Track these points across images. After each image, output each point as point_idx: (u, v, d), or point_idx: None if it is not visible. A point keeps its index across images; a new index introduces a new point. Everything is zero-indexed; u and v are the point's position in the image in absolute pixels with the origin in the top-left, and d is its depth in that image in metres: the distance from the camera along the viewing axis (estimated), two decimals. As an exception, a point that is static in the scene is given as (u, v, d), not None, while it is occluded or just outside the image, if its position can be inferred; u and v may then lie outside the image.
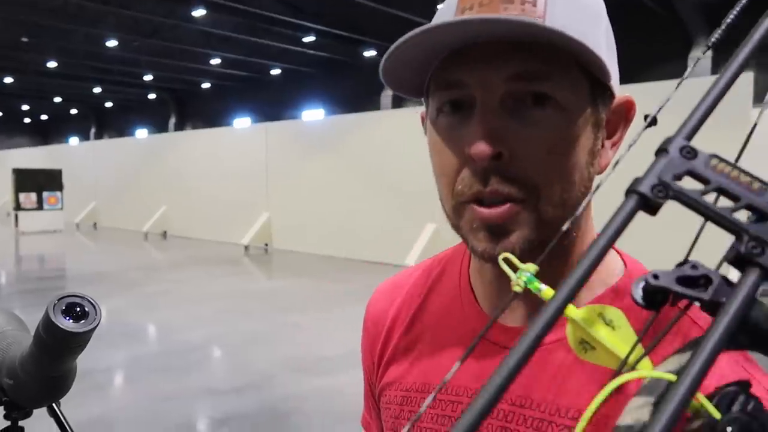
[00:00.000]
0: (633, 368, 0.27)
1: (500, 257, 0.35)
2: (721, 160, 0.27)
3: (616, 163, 0.33)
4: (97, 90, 26.81)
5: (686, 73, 0.33)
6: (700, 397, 0.26)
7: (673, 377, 0.24)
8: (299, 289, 8.30)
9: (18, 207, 15.62)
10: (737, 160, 0.29)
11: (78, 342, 0.60)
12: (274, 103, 23.29)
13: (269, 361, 5.02)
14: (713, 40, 0.32)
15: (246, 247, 12.00)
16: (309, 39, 17.54)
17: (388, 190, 9.75)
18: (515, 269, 0.32)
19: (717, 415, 0.25)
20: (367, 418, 0.77)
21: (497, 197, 0.51)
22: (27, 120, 36.80)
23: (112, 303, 7.37)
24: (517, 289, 0.30)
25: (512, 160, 0.50)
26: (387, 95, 19.94)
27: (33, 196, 15.70)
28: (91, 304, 0.60)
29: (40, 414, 0.72)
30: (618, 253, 0.61)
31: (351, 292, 7.71)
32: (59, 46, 19.32)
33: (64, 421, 0.68)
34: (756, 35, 0.29)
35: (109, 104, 31.36)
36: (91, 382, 4.56)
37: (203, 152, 14.13)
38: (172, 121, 28.10)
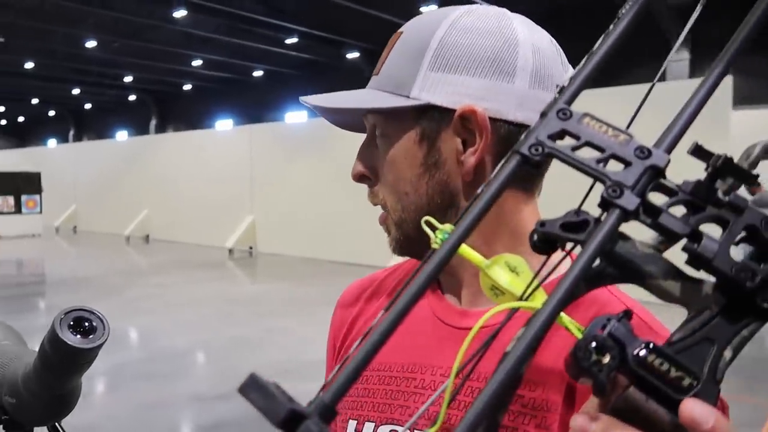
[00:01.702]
0: (526, 299, 0.32)
1: (422, 220, 0.40)
2: (593, 118, 0.30)
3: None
4: (75, 91, 26.38)
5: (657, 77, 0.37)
6: (565, 321, 0.31)
7: (538, 306, 0.27)
8: (284, 292, 8.24)
9: (-5, 211, 15.34)
10: (629, 125, 0.33)
11: (85, 359, 0.57)
12: (256, 105, 23.14)
13: (255, 366, 4.95)
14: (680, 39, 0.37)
15: (230, 251, 11.90)
16: (291, 40, 17.45)
17: (373, 193, 9.75)
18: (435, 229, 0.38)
19: (579, 335, 0.29)
20: None
21: (376, 205, 0.70)
22: (3, 122, 36.12)
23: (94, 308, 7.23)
24: (435, 245, 0.34)
25: (375, 177, 0.69)
26: (370, 97, 19.88)
27: (11, 199, 15.41)
28: (99, 318, 0.58)
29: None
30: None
31: (336, 294, 7.62)
32: (36, 47, 18.99)
33: (66, 439, 0.65)
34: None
35: (88, 106, 30.89)
36: (73, 389, 4.48)
37: (186, 155, 13.99)
38: (153, 123, 27.78)
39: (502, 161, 0.30)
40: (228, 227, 12.24)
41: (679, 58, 14.57)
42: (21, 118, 35.29)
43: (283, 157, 11.71)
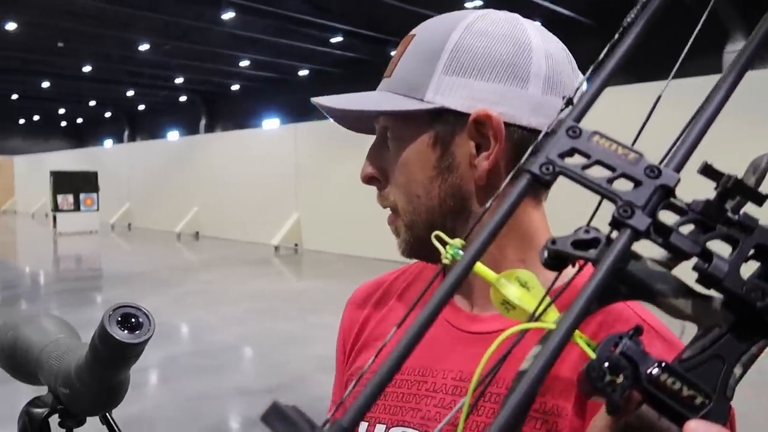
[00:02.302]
0: (539, 318, 0.32)
1: (432, 234, 0.40)
2: (602, 136, 0.30)
3: (635, 139, 0.36)
4: (130, 93, 27.37)
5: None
6: (579, 341, 0.30)
7: (552, 326, 0.27)
8: (329, 289, 8.33)
9: (56, 208, 16.02)
10: (635, 141, 0.33)
11: (132, 353, 0.60)
12: (302, 104, 23.40)
13: (301, 361, 5.05)
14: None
15: (276, 248, 12.10)
16: (336, 39, 17.61)
17: (417, 190, 9.74)
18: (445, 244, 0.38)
19: (592, 354, 0.29)
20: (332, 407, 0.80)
21: (385, 208, 0.71)
22: (63, 123, 37.77)
23: (146, 303, 7.36)
24: (445, 261, 0.35)
25: (384, 180, 0.70)
26: (414, 94, 19.84)
27: (70, 197, 16.07)
28: (146, 315, 0.60)
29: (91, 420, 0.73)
30: None
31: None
32: (93, 51, 19.77)
33: (116, 429, 0.68)
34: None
35: (141, 107, 31.99)
36: (127, 380, 4.66)
37: (233, 153, 14.29)
38: (203, 122, 28.51)
39: (509, 176, 0.30)
40: (274, 225, 12.45)
41: (737, 49, 13.98)
42: (79, 120, 36.84)
43: (327, 155, 11.82)
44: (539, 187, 0.29)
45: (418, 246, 0.68)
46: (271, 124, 24.32)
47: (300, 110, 22.53)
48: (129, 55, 19.99)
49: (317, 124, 13.80)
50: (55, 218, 16.06)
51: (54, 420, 0.69)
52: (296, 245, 12.33)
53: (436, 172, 0.66)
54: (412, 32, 0.69)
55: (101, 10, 15.72)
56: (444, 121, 0.65)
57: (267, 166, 13.11)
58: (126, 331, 0.59)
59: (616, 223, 0.29)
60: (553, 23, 15.27)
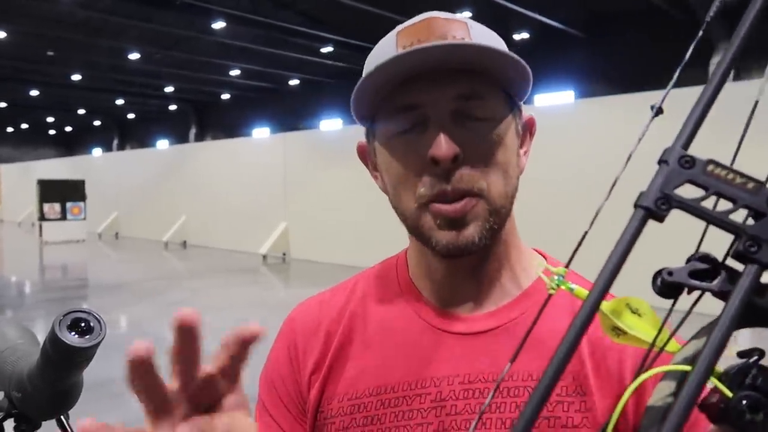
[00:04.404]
0: (661, 349, 0.32)
1: (540, 269, 0.39)
2: (717, 164, 0.29)
3: (629, 157, 0.36)
4: (119, 102, 27.28)
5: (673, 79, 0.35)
6: (714, 381, 0.29)
7: (688, 368, 0.27)
8: (316, 298, 8.30)
9: (42, 217, 15.88)
10: (733, 160, 0.32)
11: (83, 357, 0.61)
12: (292, 114, 23.47)
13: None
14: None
15: (264, 257, 12.07)
16: (327, 49, 17.67)
17: (405, 200, 9.75)
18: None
19: (729, 393, 0.28)
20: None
21: (458, 193, 0.60)
22: (52, 132, 37.54)
23: (132, 312, 7.45)
24: (551, 291, 0.34)
25: (466, 161, 0.61)
26: (404, 104, 19.90)
27: (57, 206, 15.93)
28: (96, 319, 0.62)
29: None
30: (543, 256, 0.72)
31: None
32: (83, 59, 19.71)
33: (71, 433, 0.69)
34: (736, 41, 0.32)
35: (131, 116, 31.88)
36: (108, 391, 4.60)
37: (222, 162, 14.27)
38: (193, 131, 28.45)
39: (630, 219, 0.29)
40: (262, 234, 12.42)
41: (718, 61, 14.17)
42: (69, 128, 36.62)
43: (316, 164, 11.83)
44: (653, 220, 0.28)
45: (492, 234, 0.63)
46: (261, 133, 24.30)
47: (290, 119, 22.56)
48: (119, 63, 19.95)
49: (306, 133, 13.82)
50: (41, 227, 15.94)
51: (10, 424, 0.70)
52: (284, 254, 12.30)
53: (517, 159, 0.66)
54: (458, 17, 0.65)
55: (91, 19, 15.71)
56: (517, 113, 0.66)
57: (256, 175, 13.10)
58: (76, 336, 0.61)
59: (741, 258, 0.28)
60: (542, 35, 15.42)
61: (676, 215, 0.29)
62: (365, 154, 0.72)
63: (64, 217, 16.04)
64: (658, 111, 0.34)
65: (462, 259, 0.64)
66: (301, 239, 12.07)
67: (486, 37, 0.65)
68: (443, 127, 0.60)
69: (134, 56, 18.99)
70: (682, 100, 0.35)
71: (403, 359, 0.65)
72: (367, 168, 0.72)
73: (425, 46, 0.58)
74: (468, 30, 0.63)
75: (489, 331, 0.64)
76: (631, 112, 6.33)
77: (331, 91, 22.01)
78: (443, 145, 0.59)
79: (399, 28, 0.67)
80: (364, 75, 0.60)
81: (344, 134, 12.59)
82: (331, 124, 21.73)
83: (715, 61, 14.26)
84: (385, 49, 0.65)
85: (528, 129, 0.69)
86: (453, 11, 0.70)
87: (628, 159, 0.35)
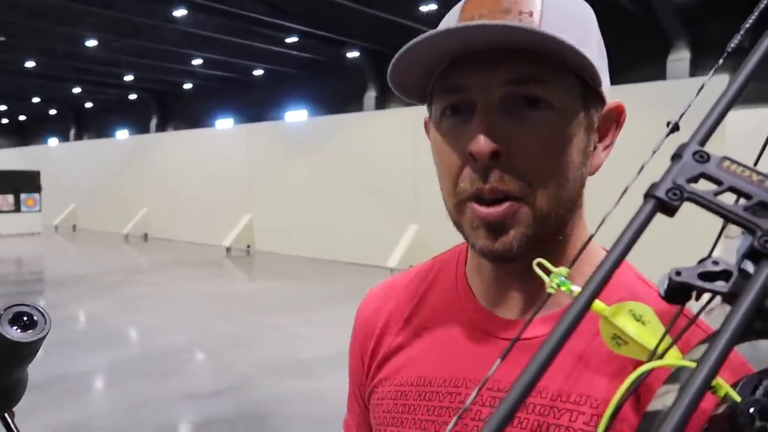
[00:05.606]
0: (661, 358, 0.30)
1: (534, 262, 0.38)
2: (733, 161, 0.29)
3: (641, 168, 0.35)
4: (76, 90, 26.47)
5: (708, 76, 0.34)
6: (722, 382, 0.28)
7: (692, 364, 0.25)
8: (281, 291, 8.26)
9: (-6, 209, 15.38)
10: (757, 161, 0.31)
11: (26, 351, 0.59)
12: (257, 104, 23.18)
13: (250, 364, 4.99)
14: (732, 45, 0.35)
15: (228, 249, 11.93)
16: (292, 40, 17.49)
17: (371, 192, 9.74)
18: (548, 272, 0.35)
19: (737, 398, 0.27)
20: (349, 421, 0.77)
21: (496, 194, 0.54)
22: (4, 120, 36.22)
23: (91, 306, 7.27)
24: (551, 290, 0.33)
25: (510, 158, 0.53)
26: (370, 97, 19.92)
27: (10, 198, 15.45)
28: (41, 313, 0.59)
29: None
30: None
31: (333, 293, 7.68)
32: (38, 46, 19.05)
33: (16, 431, 0.67)
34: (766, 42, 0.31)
35: (89, 105, 30.98)
36: (65, 386, 4.49)
37: (184, 153, 14.02)
38: (154, 122, 27.85)
39: (638, 209, 0.27)
40: (225, 226, 12.27)
41: (679, 57, 14.56)
42: (22, 117, 35.39)
43: (280, 156, 11.73)
44: (663, 213, 0.27)
45: (537, 243, 0.56)
46: (224, 124, 23.96)
47: (254, 110, 22.28)
48: (76, 51, 19.35)
49: (269, 124, 13.67)
50: (-6, 219, 15.42)
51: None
52: (248, 247, 12.18)
53: (583, 159, 0.57)
54: None
55: (46, 5, 15.16)
56: (594, 100, 0.57)
57: (219, 166, 12.92)
58: (18, 330, 0.58)
59: (756, 255, 0.27)
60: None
61: (701, 223, 0.28)
62: (428, 130, 0.65)
63: (18, 209, 15.55)
64: (674, 127, 0.33)
65: (509, 263, 0.58)
66: (266, 231, 11.97)
67: (564, 12, 0.55)
68: (488, 117, 0.53)
69: (92, 43, 18.45)
70: (640, 94, 0.34)
71: (444, 355, 0.64)
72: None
73: (468, 24, 0.51)
74: (541, 3, 0.54)
75: (535, 338, 0.58)
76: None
77: (296, 82, 21.81)
78: (481, 141, 0.52)
79: None
80: (410, 44, 0.53)
81: (308, 126, 12.50)
82: (296, 115, 21.57)
83: (672, 57, 14.66)
84: (448, 20, 0.58)
85: (614, 119, 0.60)
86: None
87: (640, 170, 0.34)
